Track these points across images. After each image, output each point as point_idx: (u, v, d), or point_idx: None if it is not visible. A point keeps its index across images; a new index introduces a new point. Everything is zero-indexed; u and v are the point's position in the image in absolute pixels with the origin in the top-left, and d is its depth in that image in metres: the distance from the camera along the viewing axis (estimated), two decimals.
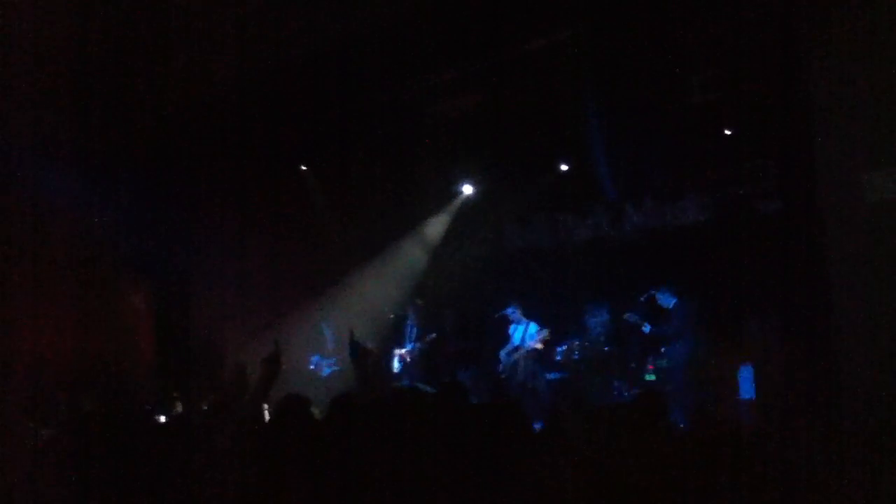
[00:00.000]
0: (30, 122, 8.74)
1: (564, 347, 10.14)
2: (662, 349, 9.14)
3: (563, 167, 10.76)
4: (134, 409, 5.25)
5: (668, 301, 8.94)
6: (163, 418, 6.34)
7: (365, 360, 4.20)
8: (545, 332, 9.59)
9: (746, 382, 8.37)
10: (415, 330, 10.43)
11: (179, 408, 6.78)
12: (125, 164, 9.79)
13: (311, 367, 10.80)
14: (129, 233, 10.07)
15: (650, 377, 9.37)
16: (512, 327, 9.90)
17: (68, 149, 9.20)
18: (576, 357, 10.07)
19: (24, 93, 8.37)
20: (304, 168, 11.67)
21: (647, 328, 8.97)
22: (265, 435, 4.23)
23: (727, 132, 9.31)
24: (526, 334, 9.71)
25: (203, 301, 10.86)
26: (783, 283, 7.78)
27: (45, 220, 9.37)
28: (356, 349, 4.30)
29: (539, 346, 9.60)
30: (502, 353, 9.88)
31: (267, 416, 5.77)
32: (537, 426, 4.31)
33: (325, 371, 10.75)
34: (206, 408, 5.45)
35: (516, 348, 9.76)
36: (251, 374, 4.93)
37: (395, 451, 3.47)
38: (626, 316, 9.29)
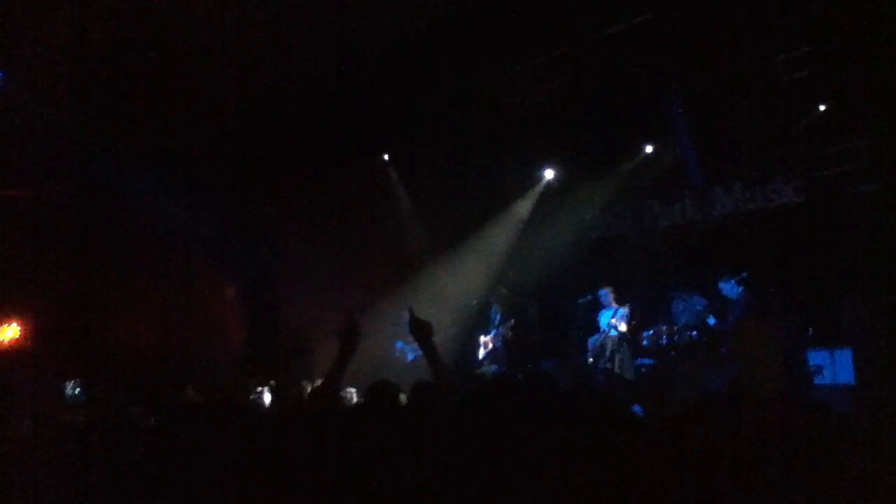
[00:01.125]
0: (115, 129, 9.03)
1: (651, 333, 10.02)
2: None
3: (648, 151, 10.59)
4: (235, 398, 5.41)
5: (732, 291, 8.71)
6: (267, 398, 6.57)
7: (425, 334, 4.17)
8: (629, 316, 9.41)
9: (844, 367, 8.11)
10: (499, 317, 10.46)
11: (267, 399, 6.95)
12: (208, 164, 10.05)
13: (396, 353, 10.96)
14: (219, 231, 10.36)
15: None
16: (601, 312, 9.74)
17: (151, 155, 9.50)
18: (663, 343, 9.94)
19: (103, 98, 8.65)
20: (385, 157, 11.79)
21: (711, 320, 8.74)
22: (354, 420, 4.32)
23: (817, 111, 8.99)
24: (615, 317, 9.54)
25: (291, 293, 11.12)
26: (876, 266, 7.52)
27: (137, 224, 9.75)
28: (413, 324, 4.24)
29: (623, 328, 9.42)
30: (590, 341, 9.76)
31: (355, 400, 5.91)
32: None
33: (410, 357, 10.91)
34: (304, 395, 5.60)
35: (603, 332, 9.61)
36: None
37: (478, 438, 3.50)
38: (697, 306, 9.15)
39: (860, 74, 7.86)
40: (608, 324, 9.56)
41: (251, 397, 6.27)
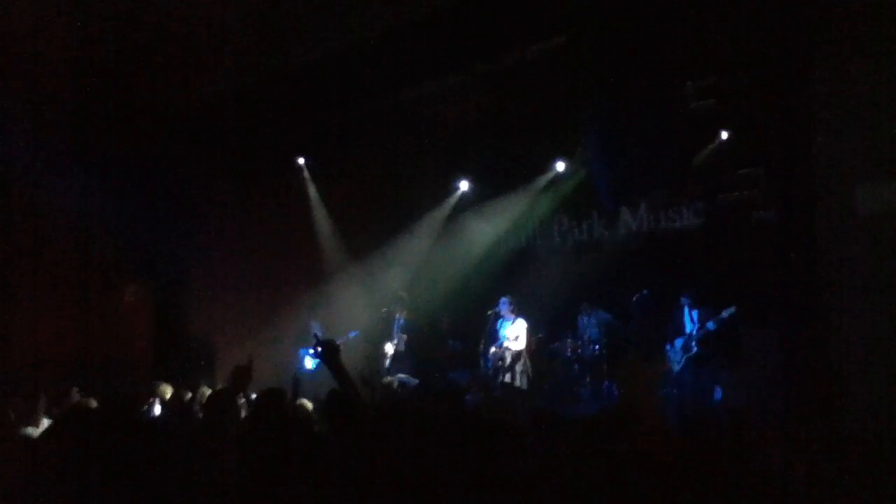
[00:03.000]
0: (29, 123, 8.72)
1: (556, 346, 10.19)
2: (670, 351, 9.13)
3: (560, 169, 10.82)
4: (129, 404, 5.24)
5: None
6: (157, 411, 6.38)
7: (333, 356, 4.18)
8: (540, 335, 9.51)
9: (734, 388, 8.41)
10: (400, 323, 10.43)
11: (167, 399, 6.77)
12: (123, 163, 9.78)
13: (302, 361, 10.81)
14: (126, 232, 10.08)
15: None
16: (499, 322, 9.78)
17: (67, 149, 9.20)
18: (568, 356, 10.12)
19: (23, 93, 8.38)
20: (300, 161, 11.66)
21: (711, 325, 8.76)
22: (245, 427, 4.28)
23: (722, 138, 9.36)
24: (512, 329, 9.57)
25: (199, 298, 10.87)
26: (775, 290, 7.83)
27: (44, 219, 9.39)
28: (320, 348, 4.24)
29: (520, 341, 9.45)
30: (489, 351, 9.76)
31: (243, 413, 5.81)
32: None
33: (313, 366, 10.80)
34: (202, 401, 5.48)
35: (500, 344, 9.61)
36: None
37: (388, 450, 3.49)
38: (602, 321, 9.39)
39: (766, 104, 8.22)
40: (504, 335, 9.61)
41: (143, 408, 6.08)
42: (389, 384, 9.21)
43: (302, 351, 10.81)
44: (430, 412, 3.89)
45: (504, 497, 3.09)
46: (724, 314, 8.62)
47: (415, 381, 7.62)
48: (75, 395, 6.11)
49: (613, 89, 9.30)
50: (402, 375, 10.00)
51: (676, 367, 8.99)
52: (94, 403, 5.85)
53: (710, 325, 8.74)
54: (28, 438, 4.72)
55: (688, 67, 8.95)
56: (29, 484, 3.62)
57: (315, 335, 4.27)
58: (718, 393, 8.40)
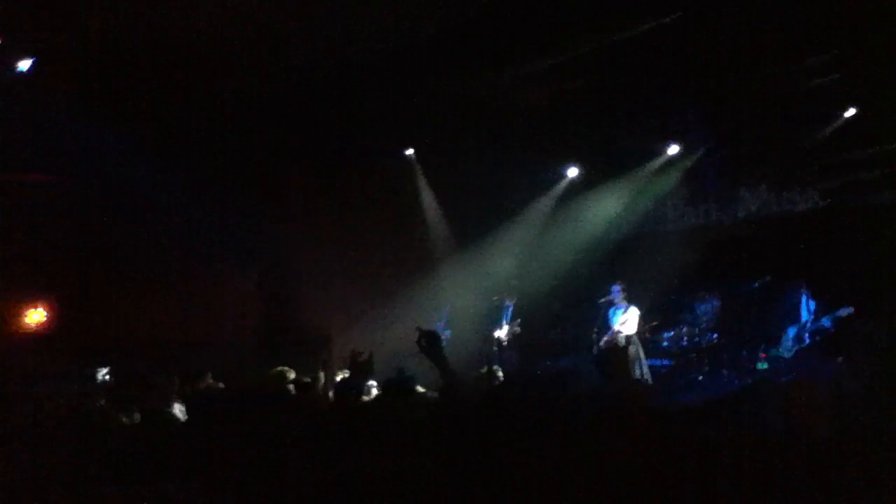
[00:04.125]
0: (129, 121, 9.14)
1: (671, 334, 9.98)
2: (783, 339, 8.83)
3: (672, 152, 10.56)
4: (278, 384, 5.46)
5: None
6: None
7: (432, 345, 4.20)
8: (654, 324, 9.32)
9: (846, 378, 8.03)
10: (509, 313, 10.45)
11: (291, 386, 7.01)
12: (233, 158, 10.13)
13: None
14: (239, 223, 10.45)
15: (762, 366, 9.10)
16: (611, 310, 9.65)
17: (177, 145, 9.61)
18: (684, 344, 9.90)
19: (115, 91, 8.76)
20: (409, 153, 11.83)
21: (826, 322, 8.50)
22: (376, 408, 4.39)
23: (846, 115, 8.91)
24: (626, 318, 9.43)
25: (312, 285, 11.20)
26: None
27: (160, 217, 9.87)
28: (421, 339, 4.22)
29: (632, 328, 9.28)
30: (600, 340, 9.61)
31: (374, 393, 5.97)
32: None
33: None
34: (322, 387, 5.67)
35: (614, 332, 9.46)
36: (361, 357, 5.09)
37: (496, 436, 3.53)
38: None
39: (890, 78, 7.79)
40: (618, 323, 9.45)
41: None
42: (486, 374, 9.29)
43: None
44: (525, 401, 3.88)
45: (605, 481, 3.08)
46: (842, 313, 8.23)
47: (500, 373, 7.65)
48: (209, 379, 6.40)
49: (730, 66, 8.98)
50: (504, 364, 10.08)
51: (787, 355, 8.69)
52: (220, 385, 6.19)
53: (826, 321, 8.38)
54: (171, 416, 5.03)
55: (809, 41, 8.54)
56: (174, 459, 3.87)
57: (418, 327, 4.30)
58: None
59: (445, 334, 10.57)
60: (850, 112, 8.96)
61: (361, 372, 4.58)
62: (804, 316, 8.68)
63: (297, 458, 3.74)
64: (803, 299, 8.72)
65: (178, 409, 5.36)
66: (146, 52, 8.37)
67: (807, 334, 8.54)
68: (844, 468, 3.35)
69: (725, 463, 3.17)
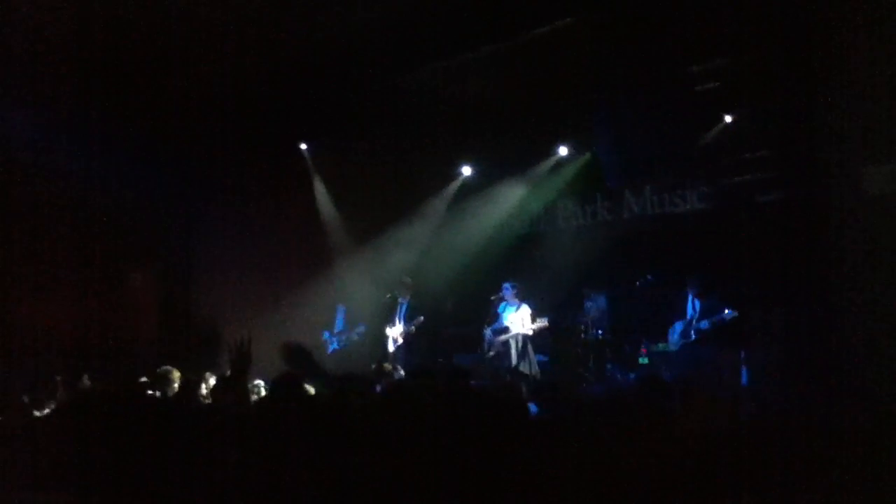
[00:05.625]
0: (30, 110, 8.71)
1: (568, 326, 10.19)
2: (670, 334, 9.13)
3: (563, 153, 10.79)
4: (133, 387, 5.25)
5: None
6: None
7: (301, 363, 4.13)
8: (544, 321, 9.49)
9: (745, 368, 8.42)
10: (404, 309, 10.43)
11: (176, 386, 6.78)
12: (124, 150, 9.77)
13: (320, 343, 10.83)
14: (131, 215, 10.09)
15: (643, 360, 9.44)
16: (502, 306, 9.79)
17: (69, 138, 9.18)
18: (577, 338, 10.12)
19: (24, 79, 8.35)
20: (302, 146, 11.64)
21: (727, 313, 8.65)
22: (262, 410, 4.26)
23: (727, 120, 9.31)
24: (516, 315, 9.59)
25: (205, 281, 10.90)
26: (782, 272, 7.82)
27: (48, 203, 9.40)
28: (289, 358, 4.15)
29: (528, 326, 9.46)
30: (487, 332, 9.79)
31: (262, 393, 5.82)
32: (532, 409, 4.35)
33: (331, 348, 10.81)
34: (213, 384, 5.48)
35: (504, 329, 9.64)
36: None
37: (394, 434, 3.48)
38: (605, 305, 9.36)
39: (770, 86, 8.17)
40: (509, 321, 9.59)
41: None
42: (390, 371, 9.25)
43: (325, 334, 10.84)
44: (432, 396, 3.85)
45: (512, 479, 3.09)
46: (727, 316, 8.58)
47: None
48: (86, 381, 6.12)
49: (618, 71, 9.25)
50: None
51: (673, 349, 9.03)
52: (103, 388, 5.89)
53: (705, 324, 8.74)
54: (36, 420, 4.74)
55: (693, 48, 8.89)
56: (38, 466, 3.64)
57: (283, 342, 4.20)
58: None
59: (360, 329, 10.49)
60: (728, 119, 9.33)
61: (239, 363, 4.38)
62: (689, 312, 9.01)
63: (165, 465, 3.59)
64: (689, 297, 9.06)
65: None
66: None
67: (692, 331, 8.87)
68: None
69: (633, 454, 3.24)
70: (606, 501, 3.01)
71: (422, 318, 10.18)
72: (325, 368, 4.13)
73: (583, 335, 10.06)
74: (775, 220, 8.17)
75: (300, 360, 4.08)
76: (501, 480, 2.99)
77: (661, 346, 9.33)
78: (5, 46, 7.99)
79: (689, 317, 9.00)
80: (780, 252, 7.44)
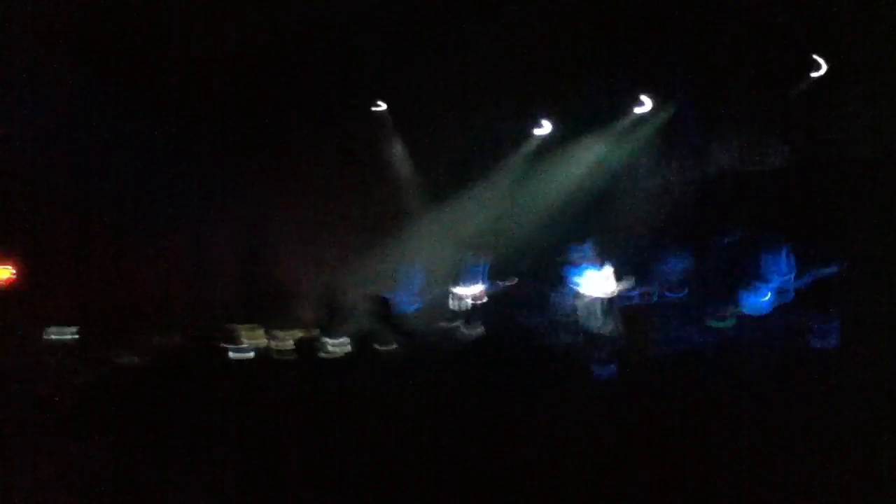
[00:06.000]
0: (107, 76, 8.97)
1: (642, 290, 10.03)
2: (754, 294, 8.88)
3: (645, 108, 10.51)
4: (215, 344, 5.44)
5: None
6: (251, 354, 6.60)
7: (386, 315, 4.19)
8: (630, 281, 9.30)
9: (832, 331, 8.12)
10: (484, 269, 10.44)
11: (263, 343, 7.03)
12: (194, 112, 9.97)
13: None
14: (205, 180, 10.35)
15: (722, 324, 9.20)
16: (583, 268, 9.67)
17: (142, 101, 9.43)
18: (654, 300, 9.96)
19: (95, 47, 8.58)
20: (381, 107, 11.68)
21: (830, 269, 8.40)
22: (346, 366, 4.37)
23: (821, 71, 8.89)
24: (599, 276, 9.47)
25: (283, 245, 11.14)
26: (876, 229, 7.51)
27: (126, 172, 9.71)
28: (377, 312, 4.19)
29: (611, 287, 9.35)
30: (572, 297, 9.68)
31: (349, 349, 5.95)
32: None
33: (411, 308, 10.92)
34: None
35: (580, 294, 9.53)
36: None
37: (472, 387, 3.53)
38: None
39: (863, 37, 7.78)
40: (591, 281, 9.47)
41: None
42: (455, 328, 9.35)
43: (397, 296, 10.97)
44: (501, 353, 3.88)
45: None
46: (829, 270, 8.25)
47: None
48: (177, 338, 6.37)
49: (704, 18, 8.92)
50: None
51: (760, 313, 8.75)
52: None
53: (809, 277, 8.41)
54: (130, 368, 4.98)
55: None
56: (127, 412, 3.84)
57: (367, 294, 4.25)
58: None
59: (412, 308, 10.59)
60: (823, 70, 8.91)
61: (335, 319, 4.48)
62: (783, 270, 8.73)
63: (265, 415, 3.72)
64: (783, 255, 8.77)
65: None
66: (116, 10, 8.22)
67: (791, 289, 8.59)
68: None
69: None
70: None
71: (516, 279, 10.19)
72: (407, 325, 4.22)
73: (666, 295, 9.89)
74: (869, 176, 7.81)
75: (385, 313, 4.18)
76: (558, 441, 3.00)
77: (747, 308, 9.08)
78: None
79: (784, 274, 8.70)
80: (873, 210, 7.13)
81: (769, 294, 8.74)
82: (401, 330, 4.21)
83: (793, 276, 8.55)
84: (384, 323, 4.19)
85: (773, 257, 8.80)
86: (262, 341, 7.25)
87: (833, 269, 8.18)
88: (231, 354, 5.73)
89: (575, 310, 9.66)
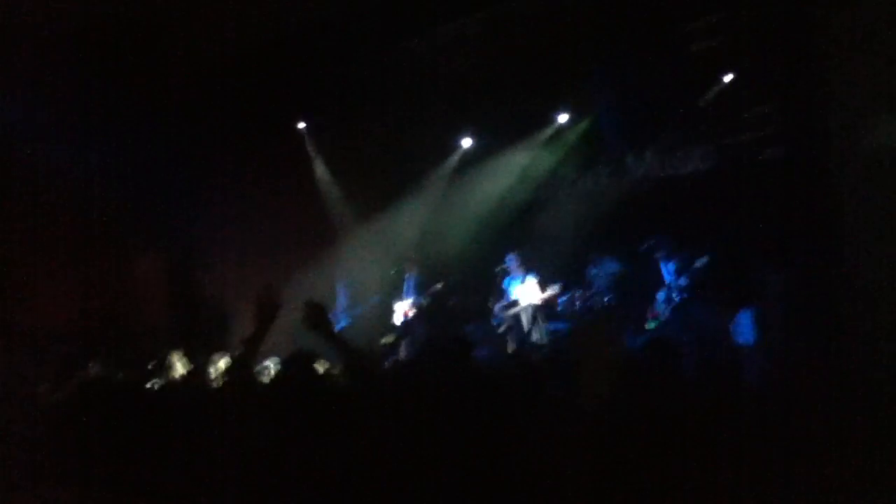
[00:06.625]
0: (30, 88, 8.65)
1: (566, 298, 10.16)
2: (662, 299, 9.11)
3: (563, 120, 10.69)
4: (135, 374, 5.24)
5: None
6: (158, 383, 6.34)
7: (318, 320, 4.01)
8: (556, 288, 9.40)
9: (747, 328, 8.38)
10: (413, 283, 10.42)
11: (181, 369, 6.76)
12: (124, 131, 9.71)
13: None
14: (133, 196, 10.07)
15: (651, 325, 9.42)
16: (507, 280, 9.76)
17: (66, 120, 9.11)
18: (577, 307, 10.09)
19: (24, 55, 8.28)
20: (301, 125, 11.57)
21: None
22: (271, 390, 4.22)
23: (728, 79, 9.18)
24: (522, 288, 9.55)
25: (208, 265, 10.90)
26: (787, 230, 7.75)
27: (46, 193, 9.34)
28: (307, 314, 3.99)
29: (536, 296, 9.44)
30: (497, 308, 9.79)
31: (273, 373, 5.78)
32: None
33: (338, 325, 10.82)
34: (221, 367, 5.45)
35: (513, 303, 9.61)
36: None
37: (402, 409, 3.46)
38: (611, 270, 9.34)
39: (771, 41, 8.04)
40: (516, 294, 9.55)
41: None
42: (396, 346, 9.27)
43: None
44: (435, 369, 3.83)
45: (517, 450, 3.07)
46: (699, 264, 8.58)
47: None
48: (95, 369, 6.10)
49: (615, 33, 9.13)
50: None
51: (666, 316, 9.00)
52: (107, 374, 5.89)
53: (684, 281, 8.70)
54: (51, 406, 4.73)
55: (690, 5, 8.76)
56: (45, 458, 3.64)
57: (305, 302, 4.06)
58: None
59: (373, 301, 10.48)
60: (729, 77, 9.21)
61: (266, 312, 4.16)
62: (666, 277, 9.00)
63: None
64: (662, 264, 9.04)
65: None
66: None
67: (675, 293, 8.84)
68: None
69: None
70: (617, 470, 3.00)
71: (440, 284, 10.17)
72: (342, 337, 4.05)
73: (589, 302, 10.03)
74: (779, 178, 8.09)
75: (323, 322, 3.99)
76: (510, 452, 2.97)
77: (660, 311, 9.32)
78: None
79: (667, 281, 8.99)
80: (784, 210, 7.38)
81: (662, 301, 8.99)
82: (345, 346, 4.01)
83: (674, 281, 8.84)
84: (323, 335, 3.97)
85: (664, 262, 9.08)
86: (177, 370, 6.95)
87: (701, 261, 8.50)
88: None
89: (503, 320, 9.72)
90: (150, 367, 6.14)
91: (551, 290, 9.42)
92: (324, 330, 3.91)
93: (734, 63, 9.04)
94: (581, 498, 3.05)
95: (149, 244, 10.75)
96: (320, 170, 11.79)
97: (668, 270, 9.03)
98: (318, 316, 3.95)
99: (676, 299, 8.86)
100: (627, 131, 10.27)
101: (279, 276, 10.92)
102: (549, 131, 10.88)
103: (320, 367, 5.18)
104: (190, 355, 6.79)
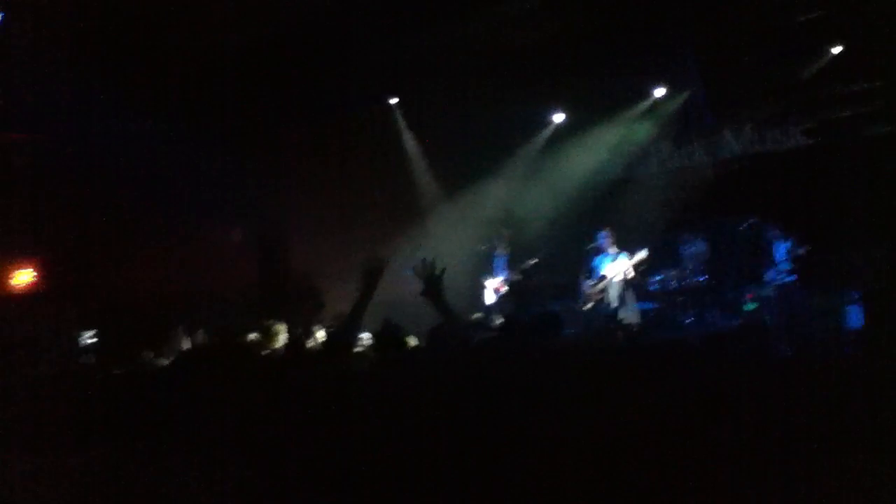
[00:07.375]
0: (116, 74, 8.99)
1: (660, 277, 10.02)
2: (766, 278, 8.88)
3: (659, 94, 10.47)
4: (242, 342, 5.47)
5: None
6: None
7: (435, 284, 4.15)
8: (643, 253, 9.12)
9: (854, 312, 8.10)
10: (503, 260, 10.46)
11: (283, 339, 7.02)
12: (213, 109, 9.99)
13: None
14: (226, 175, 10.38)
15: (749, 307, 9.19)
16: (598, 258, 9.62)
17: (157, 100, 9.45)
18: (671, 287, 9.95)
19: (104, 44, 8.59)
20: (392, 101, 11.70)
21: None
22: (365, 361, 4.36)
23: (833, 52, 8.82)
24: (615, 266, 9.38)
25: (301, 238, 11.19)
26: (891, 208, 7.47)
27: (143, 169, 9.74)
28: (425, 277, 4.15)
29: (631, 274, 9.19)
30: (585, 284, 9.63)
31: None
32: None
33: None
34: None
35: (601, 279, 9.47)
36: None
37: (490, 381, 3.53)
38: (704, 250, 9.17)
39: (876, 14, 7.70)
40: (606, 271, 9.39)
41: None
42: (489, 321, 9.31)
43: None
44: (519, 346, 3.87)
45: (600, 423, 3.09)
46: (799, 252, 8.30)
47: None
48: (201, 335, 6.40)
49: (714, 3, 8.86)
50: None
51: (771, 294, 8.77)
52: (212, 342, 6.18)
53: (786, 265, 8.45)
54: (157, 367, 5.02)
55: None
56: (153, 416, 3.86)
57: (422, 261, 4.19)
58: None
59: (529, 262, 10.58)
60: (837, 49, 8.84)
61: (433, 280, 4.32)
62: (778, 256, 8.75)
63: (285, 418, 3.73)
64: (775, 241, 8.79)
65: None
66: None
67: (784, 274, 8.60)
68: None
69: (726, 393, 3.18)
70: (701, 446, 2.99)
71: (533, 260, 10.19)
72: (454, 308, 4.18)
73: (684, 281, 9.88)
74: (883, 156, 7.77)
75: (439, 291, 4.14)
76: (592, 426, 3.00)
77: (764, 291, 9.07)
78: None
79: (777, 260, 8.73)
80: (889, 190, 7.08)
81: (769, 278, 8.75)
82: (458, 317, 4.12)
83: (785, 260, 8.58)
84: (439, 305, 4.12)
85: (777, 242, 8.82)
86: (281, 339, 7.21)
87: (801, 250, 8.23)
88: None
89: (595, 299, 9.60)
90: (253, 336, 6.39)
91: (640, 255, 9.13)
92: (439, 298, 4.07)
93: (841, 35, 8.65)
94: (683, 478, 3.04)
95: (241, 220, 11.07)
96: (411, 145, 11.88)
97: (777, 251, 8.76)
98: (435, 285, 4.12)
99: (783, 280, 8.61)
100: (726, 105, 9.98)
101: (370, 251, 11.17)
102: (644, 105, 10.67)
103: (410, 342, 5.34)
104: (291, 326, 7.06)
